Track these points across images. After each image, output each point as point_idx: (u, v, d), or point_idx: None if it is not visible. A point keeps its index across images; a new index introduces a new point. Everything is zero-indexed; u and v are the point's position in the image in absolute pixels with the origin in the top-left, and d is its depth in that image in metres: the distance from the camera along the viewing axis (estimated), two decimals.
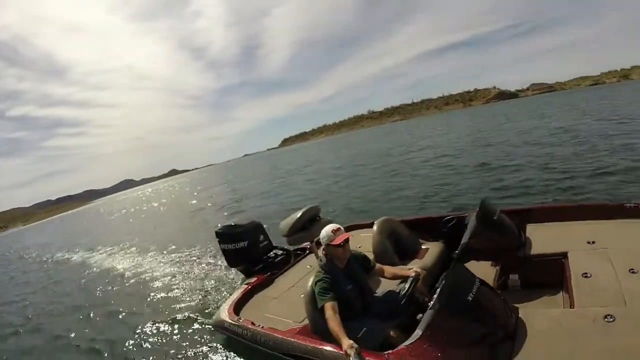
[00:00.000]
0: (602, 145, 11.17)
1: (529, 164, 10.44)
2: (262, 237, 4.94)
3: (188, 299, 5.82)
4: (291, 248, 5.05)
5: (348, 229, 4.40)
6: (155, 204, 32.92)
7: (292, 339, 2.78)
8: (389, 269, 3.01)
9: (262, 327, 3.13)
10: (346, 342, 2.23)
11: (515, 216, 3.61)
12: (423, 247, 3.98)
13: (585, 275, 2.64)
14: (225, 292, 5.53)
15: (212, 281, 6.27)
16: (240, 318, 3.43)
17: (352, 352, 2.16)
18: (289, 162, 41.99)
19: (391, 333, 2.51)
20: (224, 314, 3.64)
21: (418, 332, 2.21)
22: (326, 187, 15.16)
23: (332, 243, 2.68)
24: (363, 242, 4.35)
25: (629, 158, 8.79)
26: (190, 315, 5.09)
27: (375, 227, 3.88)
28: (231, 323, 3.44)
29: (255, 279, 4.30)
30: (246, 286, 4.14)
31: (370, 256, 3.21)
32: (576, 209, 3.75)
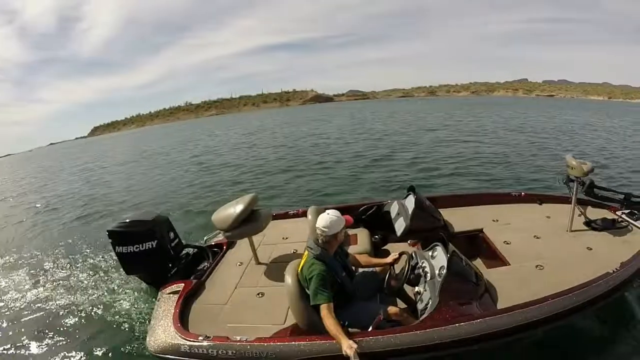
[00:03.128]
0: (314, 147, 15.80)
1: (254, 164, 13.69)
2: (172, 234, 4.11)
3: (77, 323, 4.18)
4: (204, 245, 4.46)
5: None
6: None
7: (305, 342, 2.44)
8: (362, 257, 3.07)
9: (246, 339, 2.56)
10: (345, 343, 2.22)
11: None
12: (350, 232, 4.07)
13: (506, 242, 3.45)
14: (123, 309, 4.20)
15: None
16: (208, 336, 2.68)
17: (351, 353, 2.16)
18: (84, 155, 35.11)
19: (390, 310, 2.62)
20: (171, 334, 2.80)
21: (435, 300, 2.51)
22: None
23: (345, 227, 2.66)
24: (291, 232, 4.33)
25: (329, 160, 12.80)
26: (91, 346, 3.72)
27: (310, 217, 3.61)
28: (194, 345, 2.64)
29: (179, 286, 3.45)
30: (175, 296, 3.32)
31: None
32: (473, 197, 4.60)
